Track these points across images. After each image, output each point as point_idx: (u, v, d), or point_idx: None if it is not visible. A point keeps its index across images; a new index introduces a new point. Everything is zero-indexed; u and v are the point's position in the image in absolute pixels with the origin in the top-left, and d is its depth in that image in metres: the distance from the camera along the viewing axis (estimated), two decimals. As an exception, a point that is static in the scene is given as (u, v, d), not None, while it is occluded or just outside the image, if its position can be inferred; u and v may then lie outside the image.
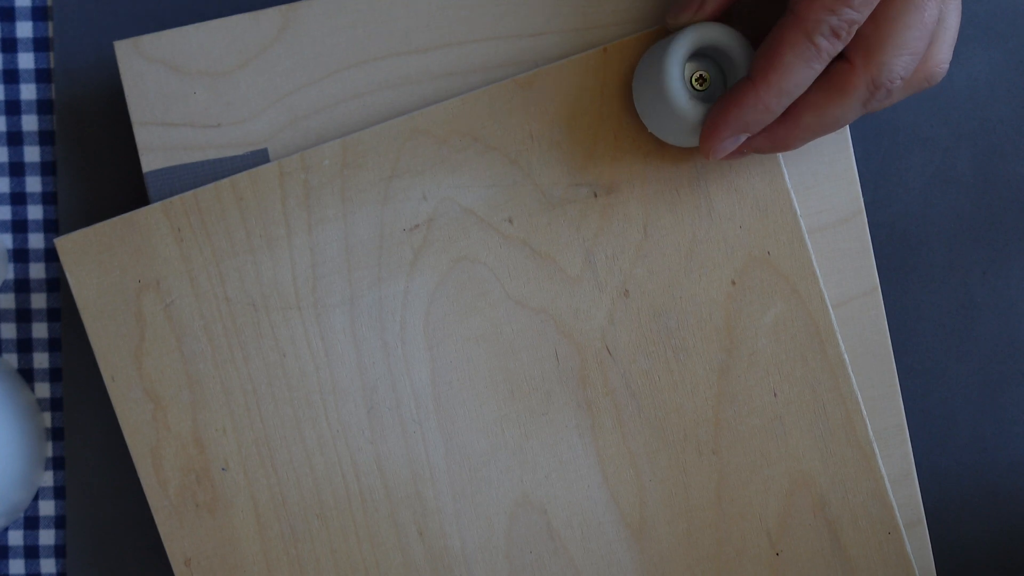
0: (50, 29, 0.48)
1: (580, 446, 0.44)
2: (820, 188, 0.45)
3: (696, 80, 0.42)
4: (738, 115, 0.40)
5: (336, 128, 0.45)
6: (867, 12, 0.37)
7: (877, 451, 0.44)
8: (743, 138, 0.40)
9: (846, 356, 0.44)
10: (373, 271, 0.44)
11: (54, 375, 0.49)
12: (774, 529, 0.44)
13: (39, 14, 0.49)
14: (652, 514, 0.44)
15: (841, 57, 0.39)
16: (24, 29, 0.48)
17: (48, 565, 0.49)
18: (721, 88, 0.42)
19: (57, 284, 0.49)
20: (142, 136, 0.44)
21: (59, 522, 0.49)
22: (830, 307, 0.44)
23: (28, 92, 0.49)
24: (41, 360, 0.49)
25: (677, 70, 0.41)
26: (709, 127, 0.40)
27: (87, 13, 0.48)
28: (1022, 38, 0.48)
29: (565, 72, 0.44)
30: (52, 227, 0.49)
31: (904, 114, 0.48)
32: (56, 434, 0.49)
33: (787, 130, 0.40)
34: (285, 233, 0.44)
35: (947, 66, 0.41)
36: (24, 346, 0.49)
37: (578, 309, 0.44)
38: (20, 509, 0.48)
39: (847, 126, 0.45)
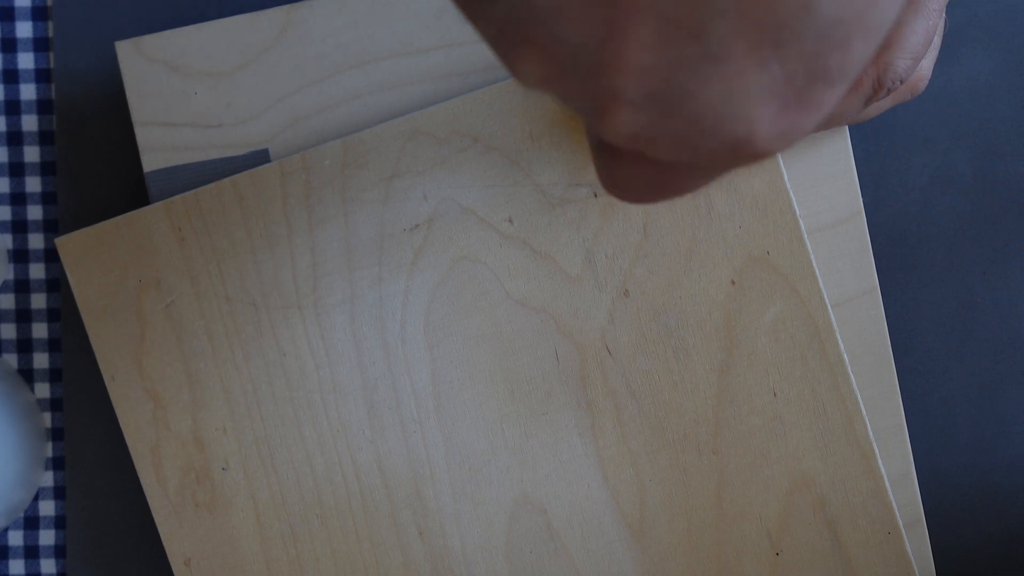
0: (50, 29, 0.48)
1: (580, 446, 0.44)
2: (820, 188, 0.45)
3: None
4: None
5: (337, 128, 0.45)
6: None
7: (877, 451, 0.44)
8: None
9: (845, 356, 0.44)
10: (373, 270, 0.44)
11: (54, 375, 0.49)
12: (774, 529, 0.44)
13: (39, 14, 0.49)
14: (652, 514, 0.44)
15: None
16: (24, 29, 0.49)
17: (48, 565, 0.49)
18: None
19: (57, 284, 0.49)
20: (143, 136, 0.44)
21: (59, 522, 0.49)
22: (829, 307, 0.44)
23: (28, 92, 0.49)
24: (41, 360, 0.49)
25: None
26: None
27: (87, 13, 0.48)
28: (1022, 38, 0.48)
29: (565, 72, 0.44)
30: (52, 227, 0.49)
31: (904, 114, 0.48)
32: (56, 434, 0.49)
33: None
34: (286, 233, 0.44)
35: (928, 79, 0.42)
36: (24, 346, 0.49)
37: (578, 309, 0.44)
38: (20, 509, 0.48)
39: (846, 126, 0.45)
